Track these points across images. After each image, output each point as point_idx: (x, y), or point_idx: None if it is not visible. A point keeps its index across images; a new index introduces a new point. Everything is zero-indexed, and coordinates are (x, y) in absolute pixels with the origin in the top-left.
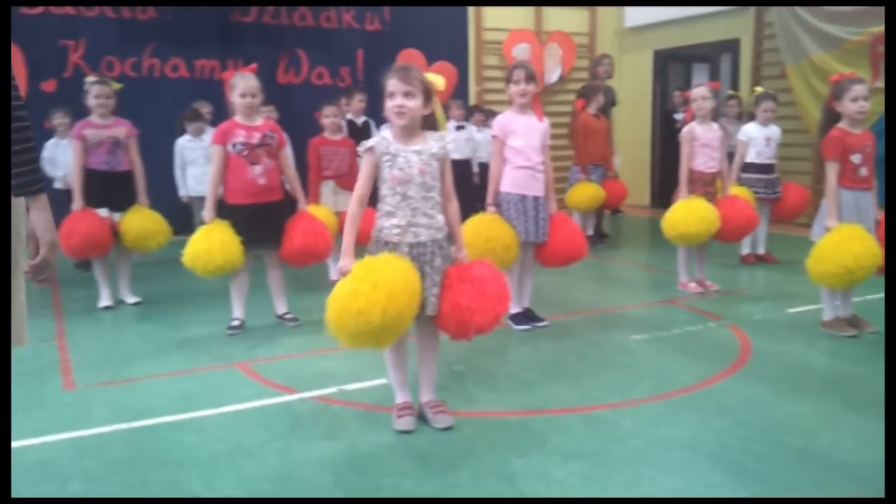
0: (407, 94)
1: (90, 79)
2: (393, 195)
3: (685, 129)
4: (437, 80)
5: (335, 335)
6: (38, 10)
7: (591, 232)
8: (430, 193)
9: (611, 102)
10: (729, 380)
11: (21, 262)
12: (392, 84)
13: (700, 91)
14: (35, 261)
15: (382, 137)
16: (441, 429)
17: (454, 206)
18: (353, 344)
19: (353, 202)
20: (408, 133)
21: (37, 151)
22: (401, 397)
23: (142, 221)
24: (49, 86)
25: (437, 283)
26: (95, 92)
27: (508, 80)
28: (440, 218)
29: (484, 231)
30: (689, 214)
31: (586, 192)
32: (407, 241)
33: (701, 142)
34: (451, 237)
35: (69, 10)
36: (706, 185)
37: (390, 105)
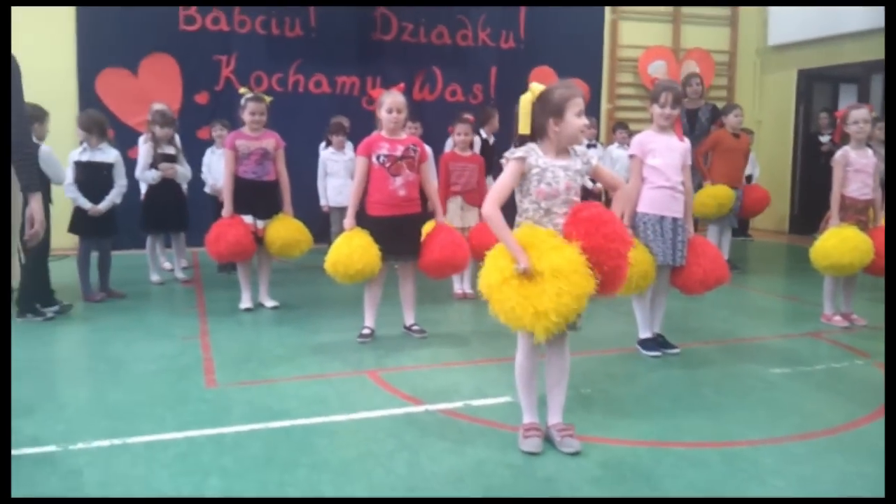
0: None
1: (247, 94)
2: (536, 209)
3: (839, 153)
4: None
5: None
6: (196, 26)
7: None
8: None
9: (709, 120)
10: (879, 422)
11: (16, 240)
12: (580, 102)
13: (861, 113)
14: (31, 232)
15: (531, 149)
16: (568, 453)
17: None
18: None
19: (493, 206)
20: (558, 148)
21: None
22: (528, 417)
23: (287, 230)
24: (202, 98)
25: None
26: (251, 108)
27: (654, 100)
28: None
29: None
30: (842, 243)
31: (715, 195)
32: None
33: (855, 167)
34: None
35: (223, 26)
36: (859, 213)
37: (579, 123)
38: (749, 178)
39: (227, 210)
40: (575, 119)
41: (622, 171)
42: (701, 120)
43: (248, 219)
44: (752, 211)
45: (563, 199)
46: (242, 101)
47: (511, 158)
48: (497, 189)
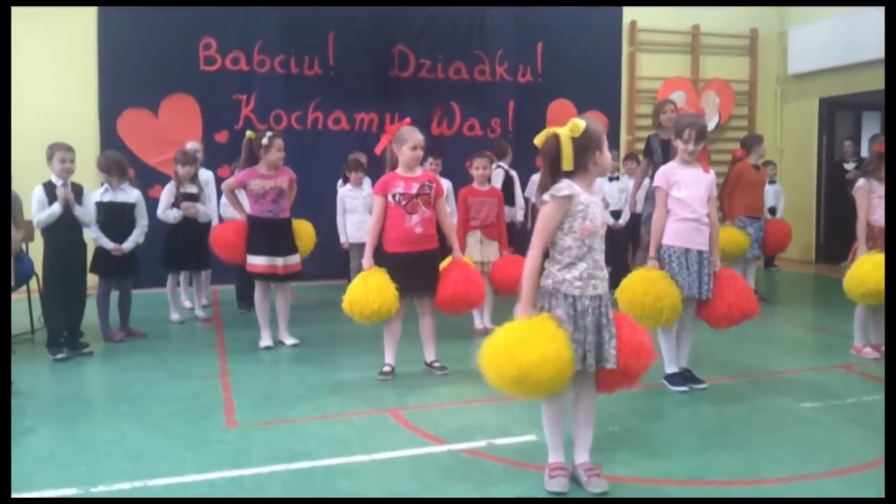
0: None
1: (269, 133)
2: (580, 247)
3: (861, 181)
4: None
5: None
6: (216, 66)
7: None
8: (604, 245)
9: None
10: None
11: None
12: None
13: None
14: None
15: (571, 185)
16: (596, 493)
17: None
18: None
19: (538, 250)
20: (591, 184)
21: None
22: (554, 457)
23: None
24: (222, 137)
25: (615, 336)
26: (278, 145)
27: (677, 135)
28: (606, 269)
29: (653, 289)
30: (875, 269)
31: (730, 238)
32: (588, 293)
33: (879, 194)
34: None
35: (243, 66)
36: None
37: (609, 157)
38: (773, 211)
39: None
40: (608, 153)
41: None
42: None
43: (264, 260)
44: (777, 247)
45: (600, 235)
46: (266, 140)
47: (558, 196)
48: (542, 232)
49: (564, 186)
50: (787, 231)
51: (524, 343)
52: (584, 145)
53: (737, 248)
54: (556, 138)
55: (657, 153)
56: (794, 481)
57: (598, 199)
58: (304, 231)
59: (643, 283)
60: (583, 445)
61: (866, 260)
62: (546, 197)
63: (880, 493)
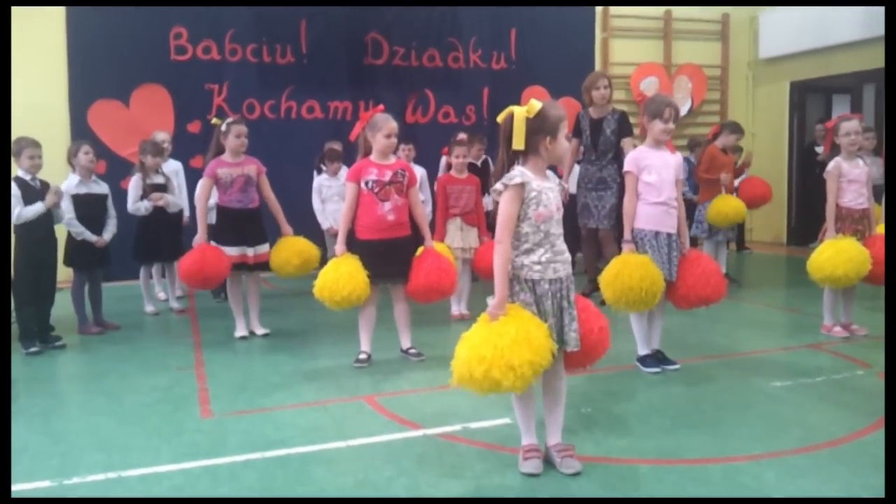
0: None
1: (228, 120)
2: (536, 232)
3: (831, 165)
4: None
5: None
6: (187, 56)
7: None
8: (562, 229)
9: (616, 132)
10: (882, 433)
11: None
12: (566, 125)
13: (852, 125)
14: None
15: (524, 173)
16: (569, 474)
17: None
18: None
19: (506, 243)
20: (544, 170)
21: None
22: (527, 439)
23: (296, 249)
24: (194, 127)
25: (575, 318)
26: (236, 131)
27: (656, 115)
28: (568, 252)
29: (648, 275)
30: (836, 255)
31: (728, 204)
32: (548, 277)
33: (849, 177)
34: None
35: (215, 55)
36: (856, 223)
37: (567, 146)
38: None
39: (199, 237)
40: (564, 141)
41: None
42: (606, 132)
43: (235, 250)
44: (756, 201)
45: (556, 220)
46: (224, 127)
47: (510, 185)
48: (505, 222)
49: (516, 174)
50: (767, 188)
51: (513, 346)
52: (537, 127)
53: (736, 213)
54: (511, 116)
55: (586, 133)
56: (764, 458)
57: (552, 185)
58: (302, 248)
59: (639, 270)
60: (554, 427)
61: (830, 245)
62: (499, 186)
63: (849, 468)
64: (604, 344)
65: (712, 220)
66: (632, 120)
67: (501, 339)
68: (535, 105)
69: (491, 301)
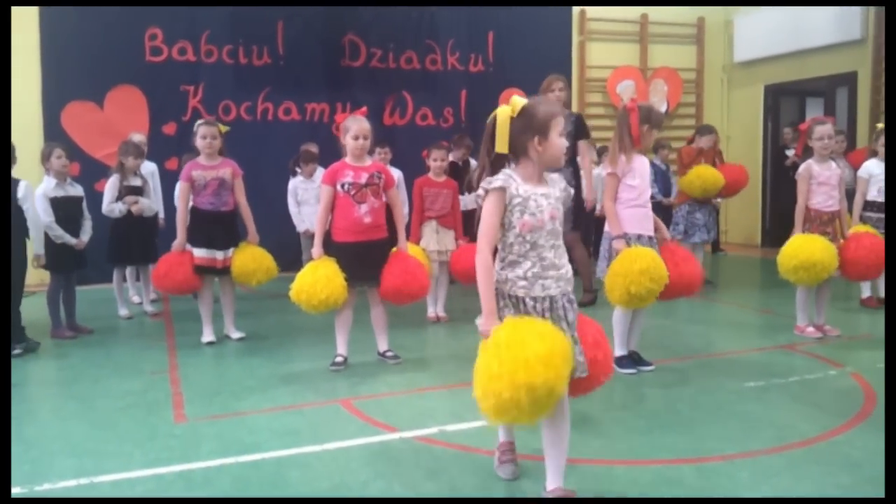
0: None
1: (199, 121)
2: (521, 243)
3: (802, 167)
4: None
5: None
6: (162, 57)
7: None
8: (559, 241)
9: (573, 134)
10: (853, 432)
11: None
12: (562, 122)
13: (825, 129)
14: None
15: (509, 177)
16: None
17: (580, 252)
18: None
19: (485, 252)
20: (538, 174)
21: None
22: (504, 436)
23: (245, 260)
24: (170, 129)
25: (578, 341)
26: (202, 132)
27: (646, 120)
28: (568, 268)
29: (671, 269)
30: (809, 242)
31: (704, 173)
32: (533, 294)
33: (819, 180)
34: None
35: (190, 56)
36: (824, 225)
37: (562, 145)
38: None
39: (178, 243)
40: (558, 140)
41: None
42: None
43: (203, 252)
44: (732, 186)
45: (548, 230)
46: (195, 129)
47: (490, 190)
48: (484, 229)
49: (499, 177)
50: (743, 173)
51: (512, 346)
52: (523, 127)
53: (714, 183)
54: (494, 118)
55: None
56: (738, 458)
57: (545, 191)
58: (259, 259)
59: (658, 265)
60: (556, 470)
61: (798, 237)
62: (480, 190)
63: (822, 467)
64: (606, 370)
65: (688, 188)
66: (607, 123)
67: (504, 348)
68: (518, 102)
69: (480, 321)
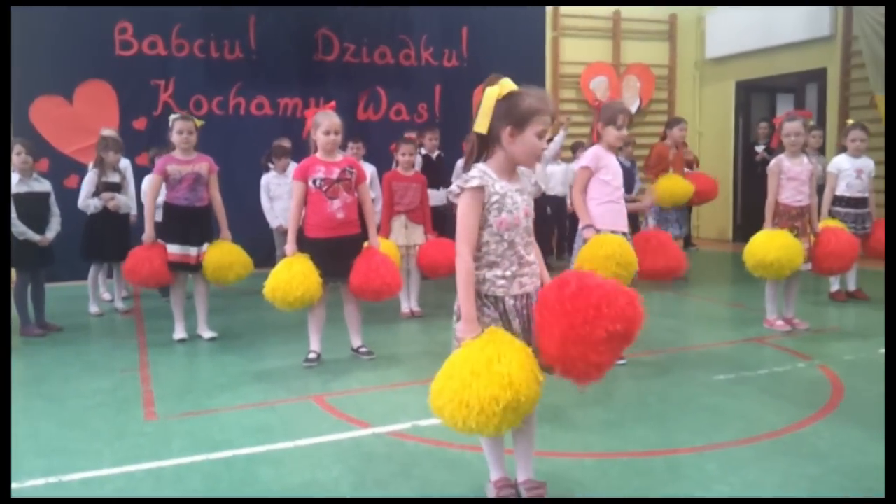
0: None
1: (173, 115)
2: (499, 242)
3: (773, 162)
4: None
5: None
6: (132, 51)
7: None
8: (531, 237)
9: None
10: (820, 423)
11: None
12: (546, 122)
13: (793, 126)
14: None
15: (484, 173)
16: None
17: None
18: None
19: (466, 256)
20: (510, 168)
21: None
22: (496, 473)
23: (222, 255)
24: (140, 124)
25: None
26: (178, 127)
27: (610, 122)
28: (537, 264)
29: (648, 255)
30: (768, 241)
31: (673, 185)
32: (512, 293)
33: (789, 175)
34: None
35: (161, 50)
36: (793, 220)
37: (537, 145)
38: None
39: (147, 236)
40: (534, 139)
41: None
42: None
43: (177, 248)
44: (700, 196)
45: (524, 227)
46: (170, 123)
47: (467, 188)
48: (462, 231)
49: (475, 175)
50: (713, 185)
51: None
52: (503, 112)
53: (683, 193)
54: (481, 94)
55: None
56: (707, 450)
57: (521, 186)
58: (233, 255)
59: (625, 252)
60: (525, 461)
61: (763, 233)
62: (455, 188)
63: (789, 459)
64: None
65: (659, 198)
66: (581, 119)
67: (460, 368)
68: (507, 85)
69: (459, 327)
